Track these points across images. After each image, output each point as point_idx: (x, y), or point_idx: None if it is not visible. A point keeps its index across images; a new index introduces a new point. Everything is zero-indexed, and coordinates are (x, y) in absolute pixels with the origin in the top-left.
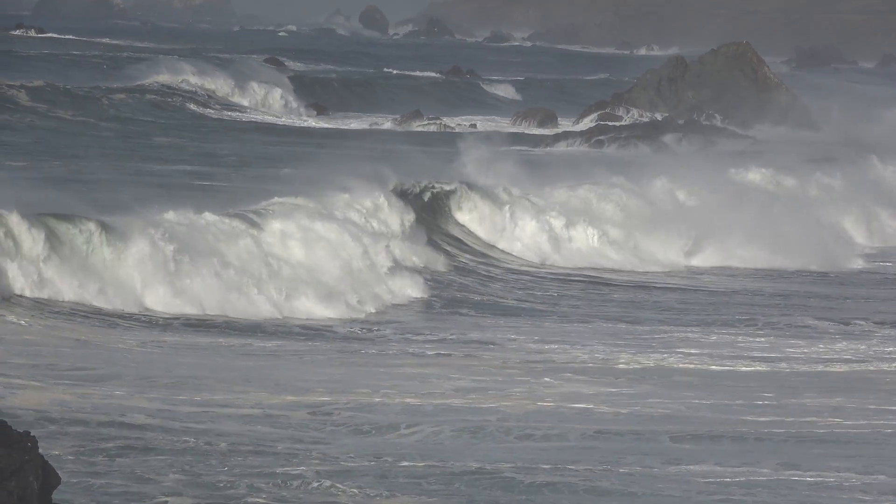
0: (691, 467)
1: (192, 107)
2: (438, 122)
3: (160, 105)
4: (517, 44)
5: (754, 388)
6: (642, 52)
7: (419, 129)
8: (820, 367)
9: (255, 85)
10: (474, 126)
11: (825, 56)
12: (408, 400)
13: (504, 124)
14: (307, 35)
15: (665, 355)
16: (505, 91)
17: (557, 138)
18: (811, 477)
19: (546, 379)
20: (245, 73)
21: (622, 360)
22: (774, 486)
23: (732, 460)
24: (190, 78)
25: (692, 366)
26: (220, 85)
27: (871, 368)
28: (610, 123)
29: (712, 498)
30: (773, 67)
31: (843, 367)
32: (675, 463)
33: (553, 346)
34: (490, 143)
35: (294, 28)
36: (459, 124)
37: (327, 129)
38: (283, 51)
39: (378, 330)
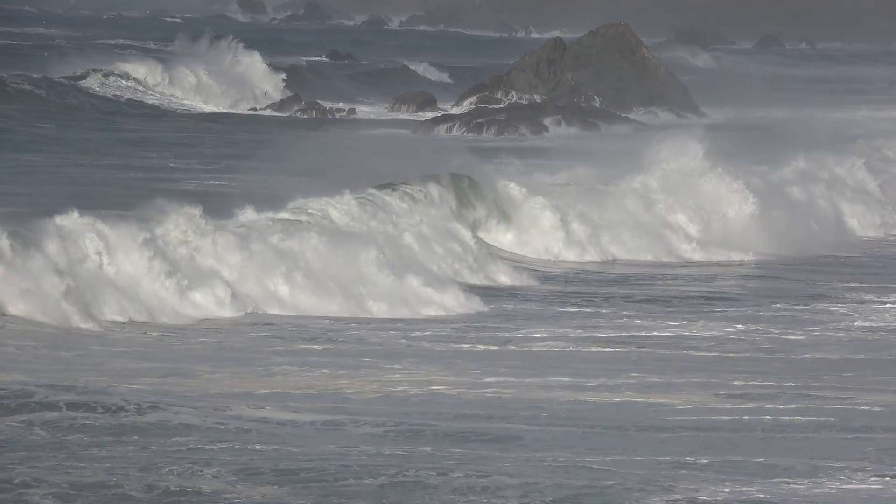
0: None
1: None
2: (317, 107)
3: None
4: (395, 28)
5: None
6: (521, 34)
7: (297, 114)
8: None
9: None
10: (353, 111)
11: (704, 37)
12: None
13: (382, 110)
14: (202, 21)
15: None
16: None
17: (437, 122)
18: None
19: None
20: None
21: None
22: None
23: None
24: (126, 67)
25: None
26: (153, 74)
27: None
28: (489, 106)
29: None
30: (652, 49)
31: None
32: None
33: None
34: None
35: (182, 17)
36: (339, 109)
37: (215, 113)
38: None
39: None
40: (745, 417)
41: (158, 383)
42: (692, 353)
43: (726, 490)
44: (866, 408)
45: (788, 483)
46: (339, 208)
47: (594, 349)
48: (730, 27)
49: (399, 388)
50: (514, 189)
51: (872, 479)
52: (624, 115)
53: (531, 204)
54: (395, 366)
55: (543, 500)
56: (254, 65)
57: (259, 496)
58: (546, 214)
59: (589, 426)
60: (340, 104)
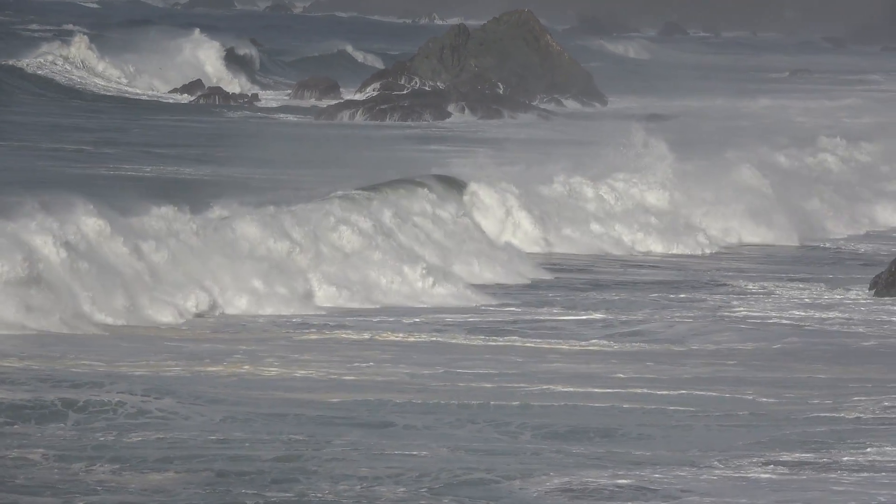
0: None
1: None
2: (220, 93)
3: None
4: (298, 13)
5: None
6: (424, 21)
7: (195, 100)
8: None
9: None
10: (256, 97)
11: (607, 24)
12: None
13: (284, 97)
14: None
15: None
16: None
17: (339, 108)
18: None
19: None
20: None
21: None
22: None
23: None
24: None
25: None
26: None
27: None
28: (393, 93)
29: None
30: (555, 36)
31: None
32: None
33: None
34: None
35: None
36: (241, 95)
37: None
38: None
39: None
40: (626, 405)
41: None
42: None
43: (605, 476)
44: (750, 397)
45: (671, 471)
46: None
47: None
48: (634, 15)
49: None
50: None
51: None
52: (528, 102)
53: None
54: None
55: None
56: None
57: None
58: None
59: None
60: (240, 91)
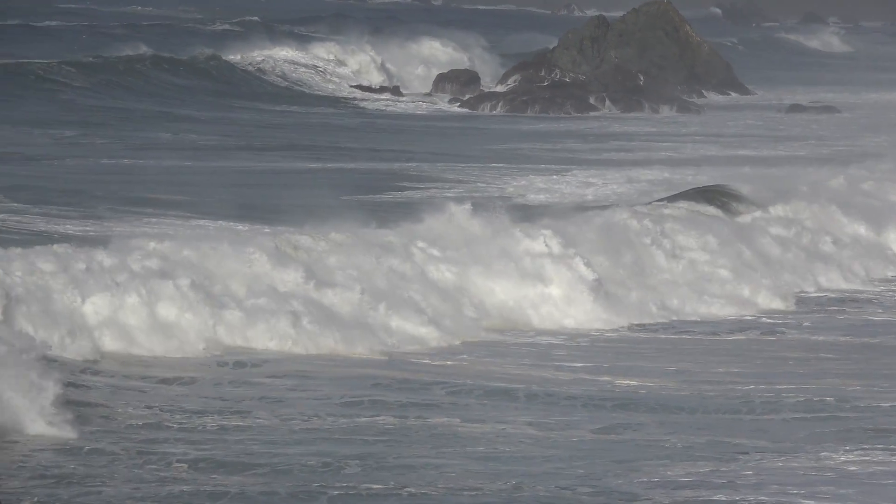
0: None
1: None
2: (366, 88)
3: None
4: (437, 3)
5: None
6: (563, 12)
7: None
8: None
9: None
10: (398, 89)
11: (747, 14)
12: None
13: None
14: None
15: None
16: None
17: (480, 100)
18: None
19: None
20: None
21: None
22: None
23: None
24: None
25: None
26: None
27: None
28: (534, 84)
29: None
30: (694, 25)
31: None
32: None
33: None
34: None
35: None
36: (384, 88)
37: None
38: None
39: None
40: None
41: None
42: None
43: None
44: None
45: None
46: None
47: None
48: (772, 4)
49: None
50: None
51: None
52: (668, 93)
53: None
54: None
55: None
56: None
57: None
58: None
59: None
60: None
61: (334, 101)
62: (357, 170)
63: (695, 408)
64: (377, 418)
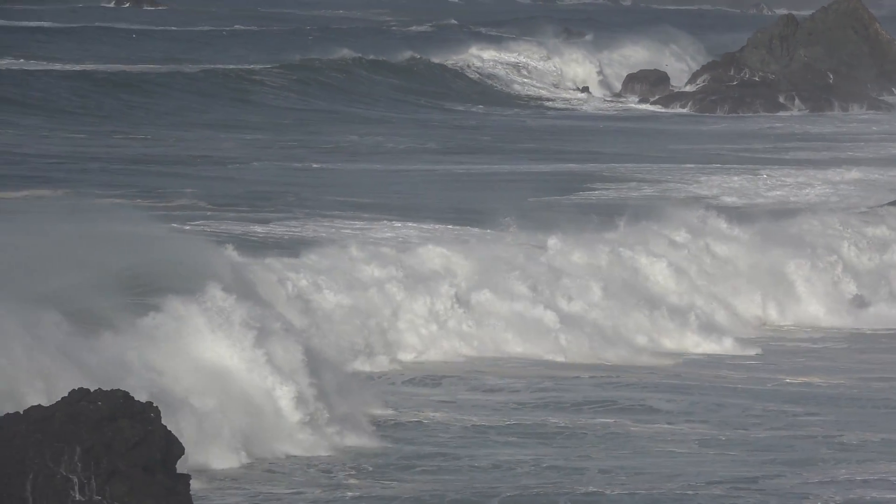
0: None
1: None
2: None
3: None
4: (626, 4)
5: None
6: (752, 11)
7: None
8: None
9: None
10: (587, 89)
11: None
12: None
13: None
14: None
15: None
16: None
17: (670, 99)
18: None
19: None
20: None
21: None
22: None
23: None
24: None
25: None
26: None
27: None
28: (723, 84)
29: None
30: (883, 24)
31: None
32: None
33: None
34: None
35: None
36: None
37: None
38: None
39: None
40: None
41: None
42: None
43: None
44: None
45: None
46: None
47: None
48: None
49: None
50: None
51: None
52: (858, 91)
53: None
54: None
55: None
56: None
57: None
58: None
59: None
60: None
61: (525, 101)
62: (545, 172)
63: None
64: None
